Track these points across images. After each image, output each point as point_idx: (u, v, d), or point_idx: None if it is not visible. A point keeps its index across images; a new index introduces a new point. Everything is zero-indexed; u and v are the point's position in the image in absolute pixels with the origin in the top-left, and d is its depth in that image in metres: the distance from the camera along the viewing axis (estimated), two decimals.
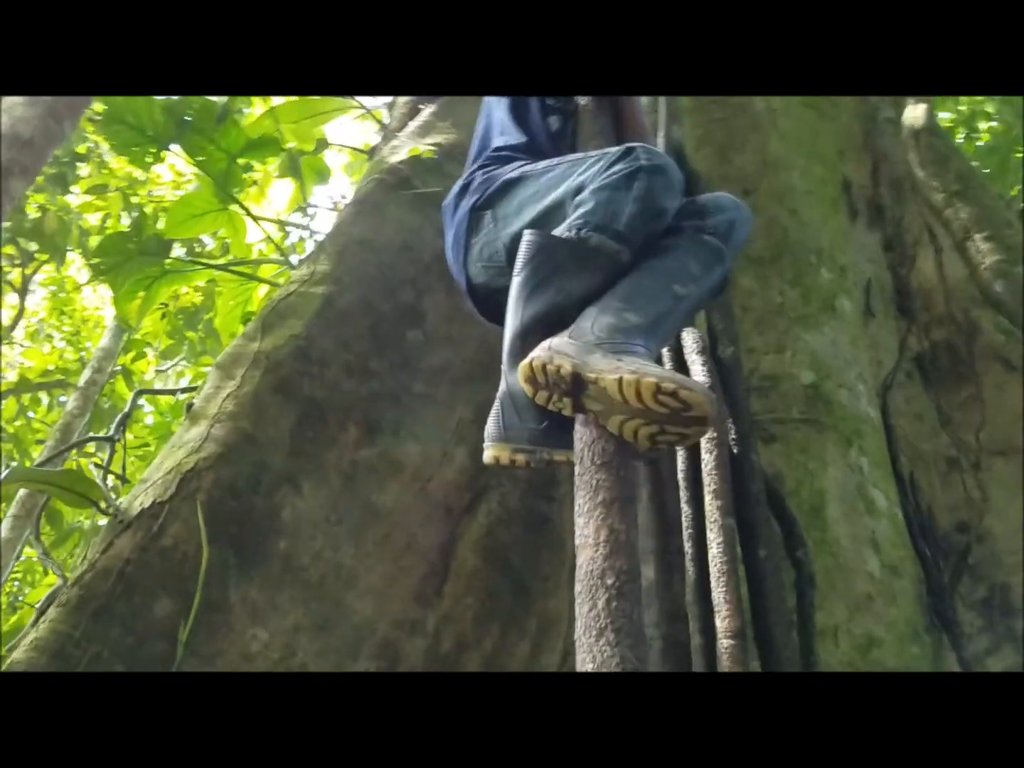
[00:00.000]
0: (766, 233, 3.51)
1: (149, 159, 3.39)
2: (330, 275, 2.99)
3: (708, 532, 2.27)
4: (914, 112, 3.73)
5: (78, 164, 11.80)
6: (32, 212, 11.06)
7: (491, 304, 2.30)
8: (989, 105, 10.09)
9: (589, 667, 1.33)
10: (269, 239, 3.55)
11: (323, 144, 4.34)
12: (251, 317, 3.37)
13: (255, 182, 3.61)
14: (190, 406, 2.59)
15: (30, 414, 13.19)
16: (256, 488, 2.41)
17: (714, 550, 2.22)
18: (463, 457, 2.84)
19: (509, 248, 2.16)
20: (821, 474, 2.90)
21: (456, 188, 2.37)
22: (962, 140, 9.84)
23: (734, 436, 2.60)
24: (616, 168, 1.84)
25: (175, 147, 3.34)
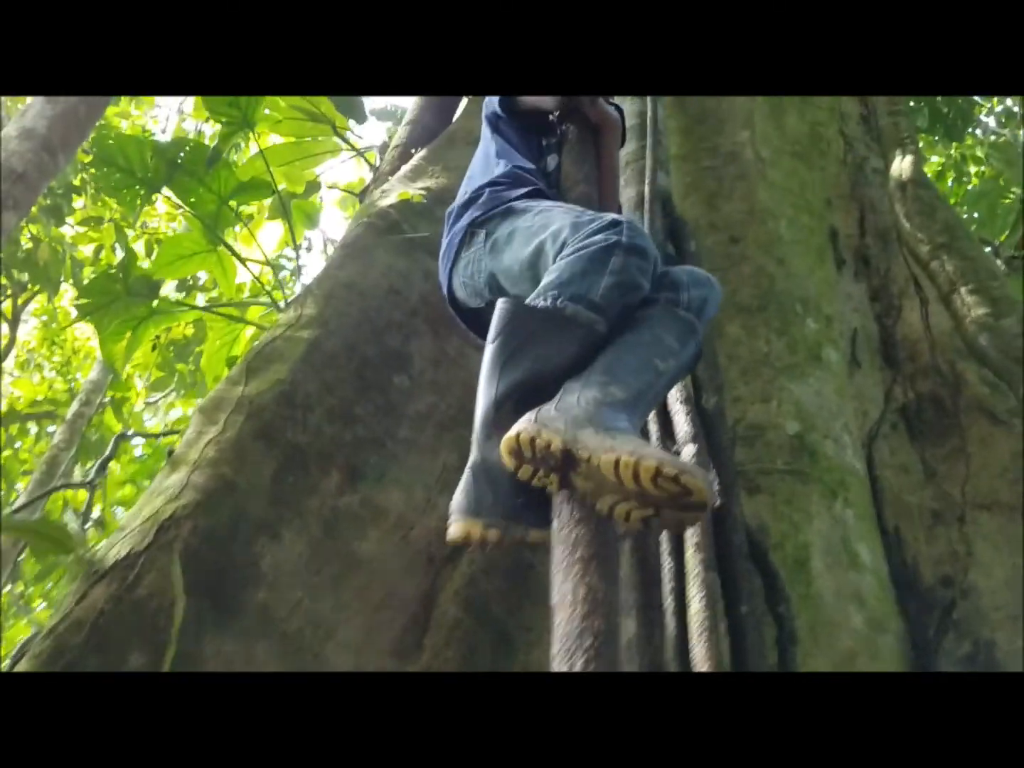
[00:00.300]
0: (753, 282, 3.53)
1: (139, 201, 3.39)
2: (316, 319, 2.99)
3: (689, 586, 2.25)
4: (901, 163, 3.77)
5: (73, 195, 11.85)
6: (25, 242, 11.07)
7: (467, 316, 2.35)
8: (979, 149, 10.22)
9: None
10: (257, 281, 3.56)
11: (314, 186, 4.37)
12: (236, 360, 3.36)
13: (245, 224, 3.61)
14: (171, 451, 2.57)
15: (17, 444, 13.10)
16: (235, 537, 2.39)
17: (695, 605, 2.20)
18: (447, 505, 2.80)
19: (489, 276, 2.20)
20: (806, 527, 2.89)
21: (463, 198, 2.38)
22: (952, 184, 9.95)
23: (717, 488, 2.60)
24: (598, 238, 1.84)
25: (165, 189, 3.36)
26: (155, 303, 3.29)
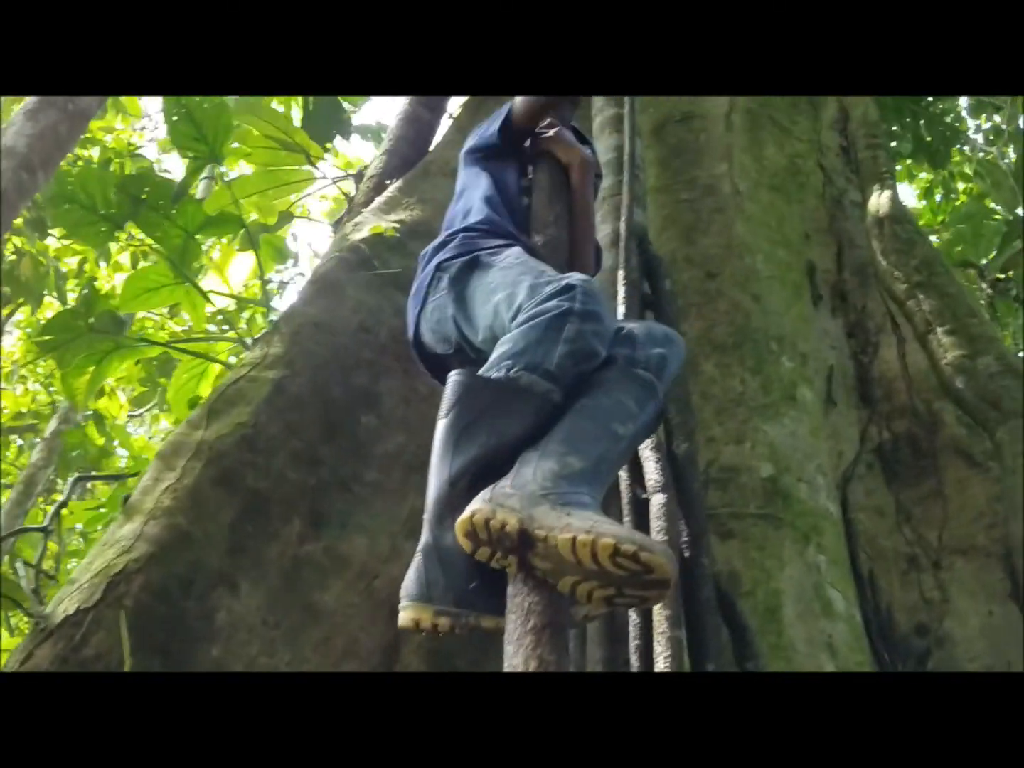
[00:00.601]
0: (729, 319, 3.49)
1: (101, 238, 3.33)
2: (282, 358, 2.93)
3: (655, 644, 2.20)
4: (879, 199, 3.74)
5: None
6: (9, 255, 10.99)
7: (432, 361, 2.29)
8: (967, 166, 10.23)
9: None
10: (223, 318, 3.50)
11: (287, 217, 4.31)
12: (199, 401, 3.30)
13: (211, 260, 3.56)
14: (127, 498, 2.51)
15: None
16: (188, 590, 2.33)
17: (660, 664, 2.15)
18: (412, 552, 2.75)
19: (455, 325, 2.14)
20: (778, 573, 2.84)
21: (438, 240, 2.34)
22: (940, 200, 9.94)
23: (686, 539, 2.54)
24: (550, 305, 1.79)
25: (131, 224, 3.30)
26: (120, 338, 3.23)
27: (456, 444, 1.67)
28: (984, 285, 8.26)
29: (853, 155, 4.31)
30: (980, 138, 10.37)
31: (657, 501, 2.52)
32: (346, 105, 6.87)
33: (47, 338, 3.22)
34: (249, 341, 3.24)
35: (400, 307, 3.32)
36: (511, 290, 1.91)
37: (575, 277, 1.85)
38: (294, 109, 7.15)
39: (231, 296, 3.66)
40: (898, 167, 7.70)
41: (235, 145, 3.70)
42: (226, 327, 3.43)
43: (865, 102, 4.57)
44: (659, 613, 2.26)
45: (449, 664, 2.59)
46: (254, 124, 4.20)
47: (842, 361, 3.66)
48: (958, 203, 9.86)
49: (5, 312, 12.82)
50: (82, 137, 8.67)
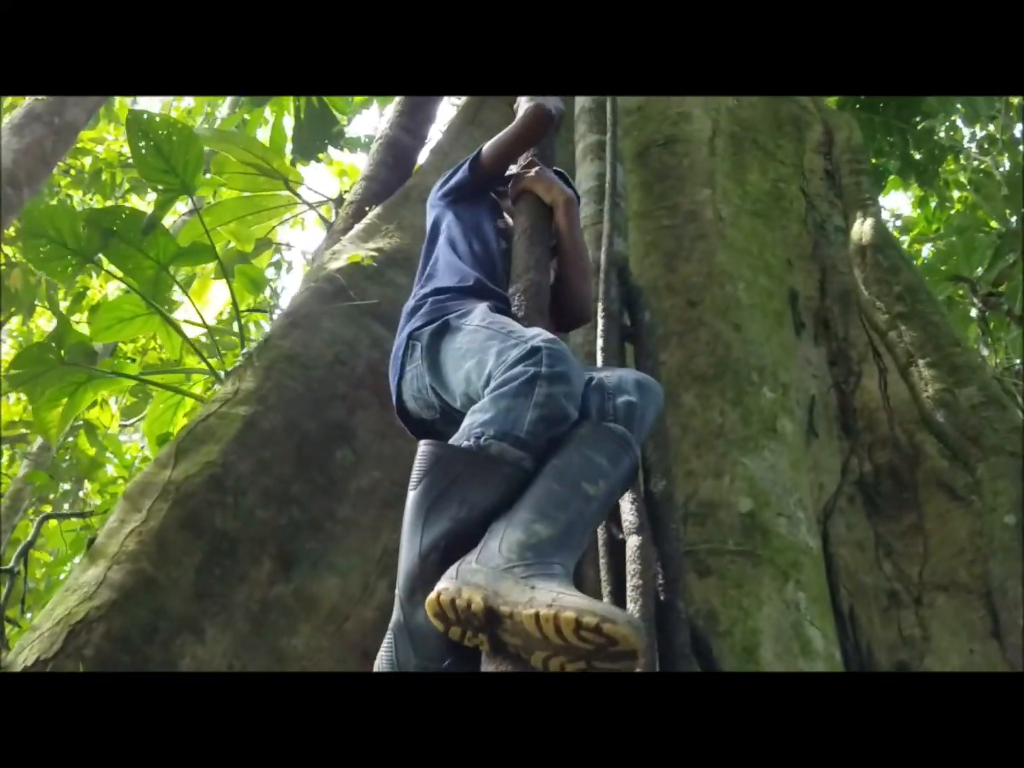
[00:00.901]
0: (710, 349, 3.46)
1: (70, 271, 3.29)
2: (255, 393, 2.90)
3: None
4: (861, 227, 3.72)
5: None
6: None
7: (421, 427, 2.28)
8: (962, 175, 10.21)
9: None
10: (195, 350, 3.46)
11: (264, 244, 4.26)
12: (168, 437, 3.26)
13: (184, 292, 3.52)
14: (92, 540, 2.47)
15: None
16: (151, 638, 2.28)
17: None
18: (384, 592, 2.72)
19: (434, 392, 2.15)
20: (756, 612, 2.80)
21: (410, 305, 2.32)
22: (935, 208, 9.92)
23: (661, 582, 2.51)
24: (517, 371, 1.77)
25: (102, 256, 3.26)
26: (92, 370, 3.18)
27: (426, 517, 1.65)
28: (976, 300, 8.23)
29: (837, 179, 4.28)
30: (974, 147, 10.36)
31: (632, 543, 2.48)
32: (338, 115, 6.86)
33: (18, 372, 3.19)
34: (223, 374, 3.20)
35: (376, 338, 3.30)
36: (480, 356, 1.90)
37: (540, 338, 1.83)
38: (286, 118, 7.13)
39: (204, 326, 3.62)
40: (891, 175, 7.68)
41: (208, 175, 3.66)
42: (203, 357, 3.40)
43: (850, 125, 4.55)
44: None
45: None
46: (230, 151, 4.17)
47: (824, 390, 3.62)
48: (953, 211, 9.85)
49: None
50: (72, 147, 8.64)
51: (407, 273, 3.45)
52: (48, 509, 11.12)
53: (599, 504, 1.72)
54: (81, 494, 12.18)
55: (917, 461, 3.30)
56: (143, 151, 3.17)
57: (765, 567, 2.91)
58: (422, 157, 4.51)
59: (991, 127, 9.95)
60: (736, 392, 3.33)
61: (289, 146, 6.74)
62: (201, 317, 3.68)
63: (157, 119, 3.18)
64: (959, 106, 7.42)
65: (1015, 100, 8.46)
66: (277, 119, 6.88)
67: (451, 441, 1.75)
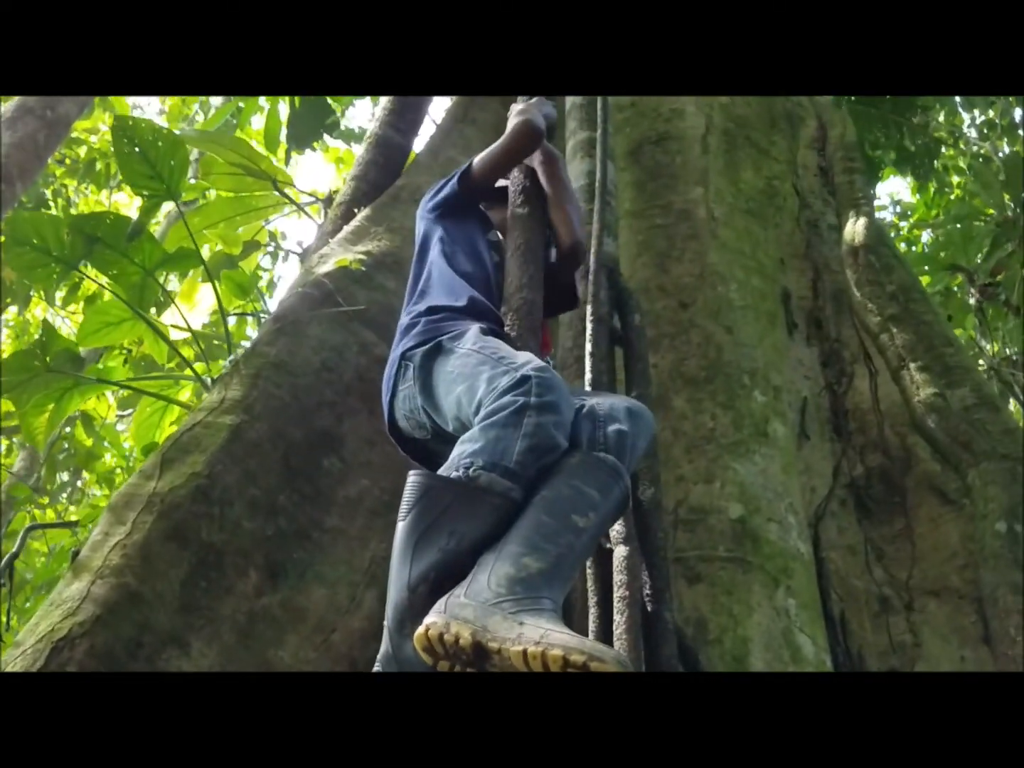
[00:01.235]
0: (701, 352, 3.44)
1: (54, 278, 3.26)
2: (241, 403, 2.87)
3: None
4: (854, 227, 3.69)
5: (43, 208, 11.72)
6: None
7: (412, 445, 2.29)
8: (961, 160, 10.16)
9: None
10: (180, 357, 3.44)
11: (253, 245, 4.23)
12: (155, 446, 3.25)
13: (171, 299, 3.49)
14: (76, 553, 2.46)
15: None
16: (136, 653, 2.27)
17: None
18: (372, 602, 2.71)
19: (426, 413, 2.15)
20: (746, 620, 2.80)
21: (404, 322, 2.32)
22: (934, 194, 9.87)
23: (649, 592, 2.50)
24: (506, 400, 1.76)
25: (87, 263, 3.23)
26: (79, 376, 3.16)
27: (415, 548, 1.65)
28: (973, 290, 8.20)
29: (831, 176, 4.25)
30: (973, 132, 10.30)
31: (620, 553, 2.47)
32: (333, 105, 6.81)
33: (2, 379, 3.17)
34: (209, 380, 3.18)
35: (365, 344, 3.28)
36: (470, 382, 1.89)
37: (530, 367, 1.82)
38: (281, 105, 7.08)
39: (189, 331, 3.60)
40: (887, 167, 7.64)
41: (194, 180, 3.63)
42: (189, 363, 3.38)
43: (844, 121, 4.51)
44: None
45: None
46: (217, 152, 4.14)
47: (816, 391, 3.61)
48: (952, 197, 9.80)
49: None
50: (66, 138, 8.59)
51: (396, 277, 3.43)
52: (45, 501, 11.12)
53: (589, 536, 1.72)
54: (79, 484, 12.20)
55: (909, 464, 3.29)
56: (128, 156, 3.15)
57: (755, 573, 2.90)
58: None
59: (990, 112, 9.90)
60: (727, 395, 3.31)
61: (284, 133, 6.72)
62: (187, 322, 3.66)
63: (143, 124, 3.15)
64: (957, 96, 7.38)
65: None
66: (272, 107, 6.84)
67: (440, 471, 1.75)
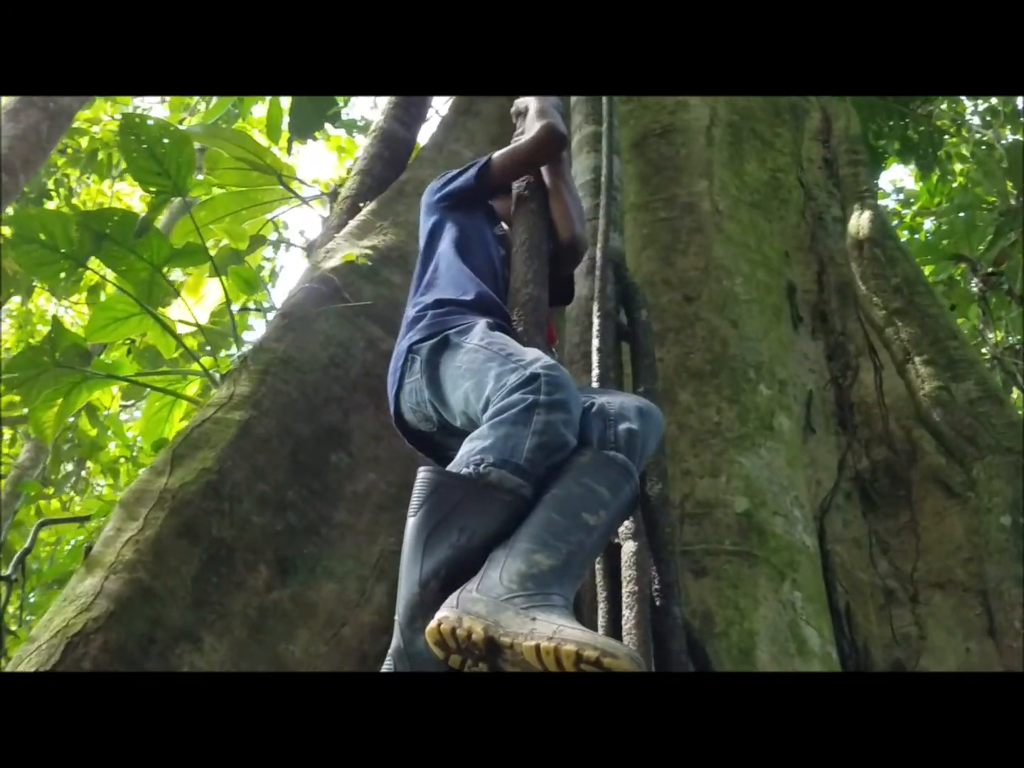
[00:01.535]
0: (706, 346, 3.45)
1: (62, 275, 3.28)
2: (249, 398, 2.89)
3: None
4: (859, 220, 3.69)
5: (44, 199, 11.72)
6: None
7: (418, 437, 2.29)
8: (964, 147, 10.13)
9: None
10: (188, 352, 3.45)
11: (259, 240, 4.24)
12: (164, 442, 3.26)
13: (177, 293, 3.50)
14: (89, 548, 2.48)
15: None
16: (149, 648, 2.30)
17: None
18: (382, 596, 2.73)
19: (432, 407, 2.15)
20: (752, 613, 2.82)
21: (410, 314, 2.32)
22: (937, 182, 9.85)
23: (657, 587, 2.51)
24: (515, 398, 1.77)
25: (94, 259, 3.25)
26: (87, 371, 3.18)
27: (426, 544, 1.66)
28: (976, 279, 8.20)
29: (835, 168, 4.25)
30: (976, 120, 10.27)
31: (628, 549, 2.49)
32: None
33: (12, 375, 3.19)
34: (218, 376, 3.20)
35: (372, 339, 3.29)
36: (478, 378, 1.90)
37: (539, 365, 1.83)
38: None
39: (197, 326, 3.61)
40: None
41: (200, 176, 3.64)
42: (196, 358, 3.39)
43: (848, 113, 4.51)
44: None
45: None
46: (222, 147, 4.14)
47: (821, 385, 3.62)
48: (955, 185, 9.78)
49: None
50: (68, 127, 8.58)
51: (402, 271, 3.44)
52: (50, 491, 11.16)
53: (599, 534, 1.73)
54: (83, 474, 12.22)
55: (914, 458, 3.31)
56: (135, 154, 3.15)
57: (761, 567, 2.92)
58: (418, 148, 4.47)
59: (993, 99, 9.85)
60: (733, 389, 3.32)
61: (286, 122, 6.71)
62: (194, 318, 3.67)
63: (149, 121, 3.16)
64: None
65: None
66: (274, 97, 6.83)
67: (450, 467, 1.76)
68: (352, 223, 3.67)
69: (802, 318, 3.75)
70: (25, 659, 2.22)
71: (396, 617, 1.66)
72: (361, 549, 2.83)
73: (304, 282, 3.34)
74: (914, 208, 11.05)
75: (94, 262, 3.46)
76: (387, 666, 1.66)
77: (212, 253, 3.60)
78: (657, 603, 2.50)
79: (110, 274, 3.47)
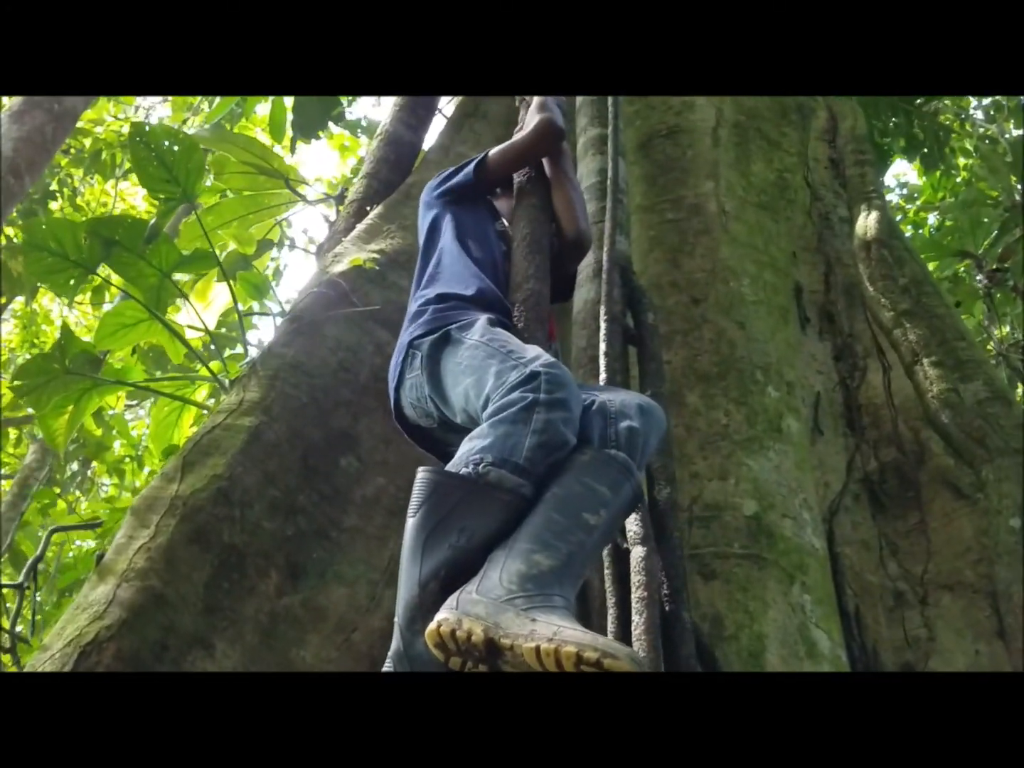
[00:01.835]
0: (714, 348, 3.45)
1: (72, 283, 3.29)
2: (259, 404, 2.90)
3: None
4: (866, 221, 3.69)
5: (49, 200, 11.75)
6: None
7: (418, 432, 2.29)
8: (968, 142, 10.10)
9: None
10: (198, 358, 3.46)
11: (266, 245, 4.24)
12: (174, 449, 3.27)
13: (186, 298, 3.51)
14: (100, 556, 2.49)
15: None
16: (162, 655, 2.31)
17: None
18: (392, 601, 2.72)
19: (433, 403, 2.14)
20: (761, 616, 2.82)
21: (412, 308, 2.31)
22: (940, 177, 9.83)
23: (666, 592, 2.52)
24: (515, 397, 1.76)
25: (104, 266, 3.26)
26: (96, 378, 3.19)
27: (425, 545, 1.65)
28: (981, 275, 8.18)
29: (842, 168, 4.24)
30: (980, 114, 10.25)
31: (637, 554, 2.49)
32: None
33: (22, 383, 3.20)
34: (227, 382, 3.21)
35: (380, 343, 3.30)
36: (479, 375, 1.89)
37: (539, 363, 1.81)
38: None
39: (205, 331, 3.62)
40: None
41: (209, 182, 3.65)
42: (205, 363, 3.41)
43: (854, 112, 4.50)
44: None
45: None
46: (229, 151, 4.15)
47: (829, 385, 3.62)
48: (959, 179, 9.75)
49: (1, 301, 12.78)
50: (73, 129, 8.59)
51: (410, 275, 3.40)
52: (57, 491, 11.18)
53: (600, 534, 1.72)
54: (89, 473, 12.25)
55: (922, 459, 3.30)
56: (144, 160, 3.16)
57: (771, 570, 2.92)
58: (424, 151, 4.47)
59: None
60: (741, 391, 3.32)
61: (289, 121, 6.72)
62: (203, 323, 3.68)
63: (158, 129, 3.17)
64: None
65: None
66: (277, 96, 6.83)
67: (449, 467, 1.74)
68: (359, 227, 3.68)
69: (809, 319, 3.75)
70: (39, 668, 2.23)
71: (396, 619, 1.65)
72: (371, 553, 2.84)
73: (312, 287, 3.34)
74: (918, 203, 11.03)
75: (100, 267, 3.47)
76: (387, 668, 1.66)
77: (220, 258, 3.60)
78: (667, 608, 2.50)
79: (114, 277, 3.47)
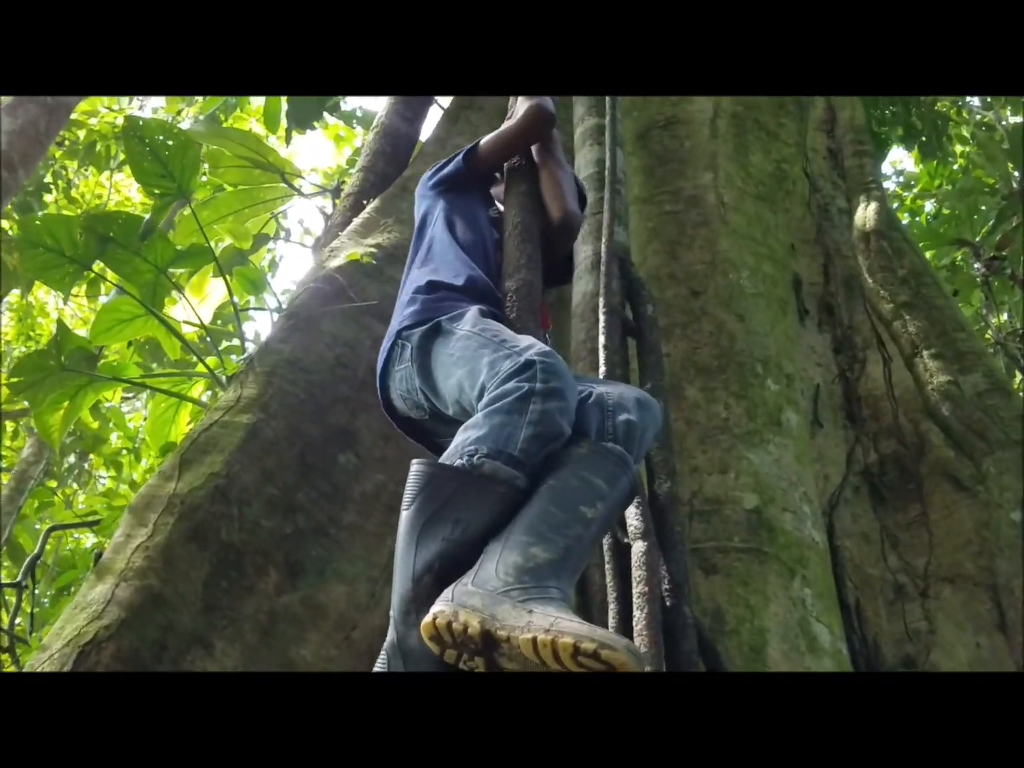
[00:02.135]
0: (713, 340, 3.43)
1: (68, 279, 3.26)
2: (257, 401, 2.88)
3: None
4: (865, 212, 3.67)
5: (43, 192, 11.70)
6: None
7: (407, 423, 2.27)
8: (964, 129, 10.08)
9: None
10: (195, 354, 3.44)
11: (262, 239, 4.22)
12: (172, 446, 3.26)
13: (181, 293, 3.49)
14: (99, 555, 2.47)
15: None
16: (161, 655, 2.29)
17: None
18: (390, 598, 2.72)
19: (423, 395, 2.12)
20: (762, 610, 2.81)
21: (403, 297, 2.28)
22: (937, 165, 9.81)
23: (667, 587, 2.51)
24: (510, 387, 1.73)
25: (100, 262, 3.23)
26: (92, 374, 3.18)
27: (420, 537, 1.63)
28: (979, 264, 8.17)
29: (840, 159, 4.22)
30: (977, 101, 10.22)
31: (638, 549, 2.48)
32: None
33: (18, 380, 3.18)
34: (223, 378, 3.19)
35: (378, 338, 3.26)
36: (472, 366, 1.87)
37: (534, 352, 1.79)
38: None
39: (201, 326, 3.60)
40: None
41: (204, 178, 3.63)
42: (202, 359, 3.39)
43: (853, 103, 4.47)
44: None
45: None
46: (225, 145, 4.12)
47: (829, 377, 3.61)
48: (956, 167, 9.73)
49: None
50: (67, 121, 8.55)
51: None
52: (54, 484, 11.18)
53: (597, 527, 1.70)
54: (86, 466, 12.23)
55: (922, 451, 3.30)
56: (139, 156, 3.13)
57: (771, 564, 2.91)
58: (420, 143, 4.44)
59: None
60: (740, 384, 3.31)
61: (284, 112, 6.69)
62: (199, 319, 3.66)
63: (153, 124, 3.14)
64: None
65: None
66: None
67: (443, 458, 1.72)
68: (356, 221, 3.65)
69: (808, 311, 3.73)
70: (38, 668, 2.22)
71: (391, 612, 1.64)
72: (370, 550, 2.83)
73: (309, 282, 3.32)
74: (915, 191, 11.01)
75: (95, 263, 3.45)
76: (381, 661, 1.64)
77: (216, 253, 3.58)
78: (668, 603, 2.49)
79: (109, 272, 3.46)
